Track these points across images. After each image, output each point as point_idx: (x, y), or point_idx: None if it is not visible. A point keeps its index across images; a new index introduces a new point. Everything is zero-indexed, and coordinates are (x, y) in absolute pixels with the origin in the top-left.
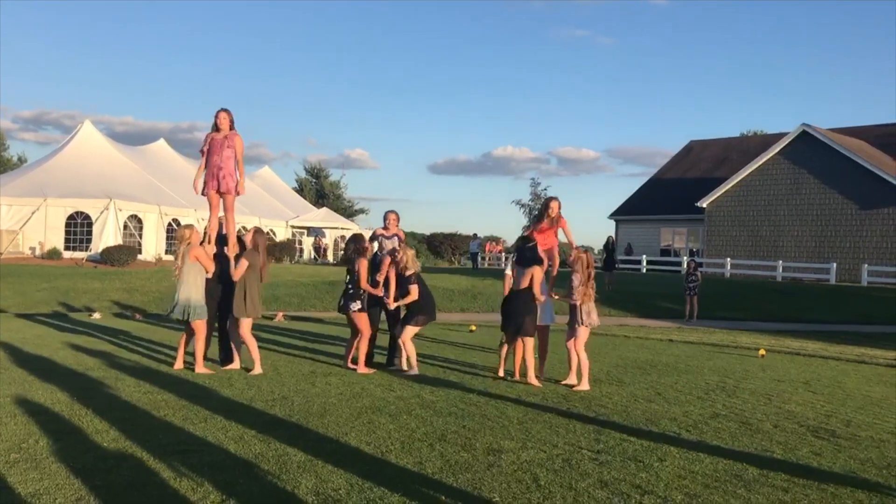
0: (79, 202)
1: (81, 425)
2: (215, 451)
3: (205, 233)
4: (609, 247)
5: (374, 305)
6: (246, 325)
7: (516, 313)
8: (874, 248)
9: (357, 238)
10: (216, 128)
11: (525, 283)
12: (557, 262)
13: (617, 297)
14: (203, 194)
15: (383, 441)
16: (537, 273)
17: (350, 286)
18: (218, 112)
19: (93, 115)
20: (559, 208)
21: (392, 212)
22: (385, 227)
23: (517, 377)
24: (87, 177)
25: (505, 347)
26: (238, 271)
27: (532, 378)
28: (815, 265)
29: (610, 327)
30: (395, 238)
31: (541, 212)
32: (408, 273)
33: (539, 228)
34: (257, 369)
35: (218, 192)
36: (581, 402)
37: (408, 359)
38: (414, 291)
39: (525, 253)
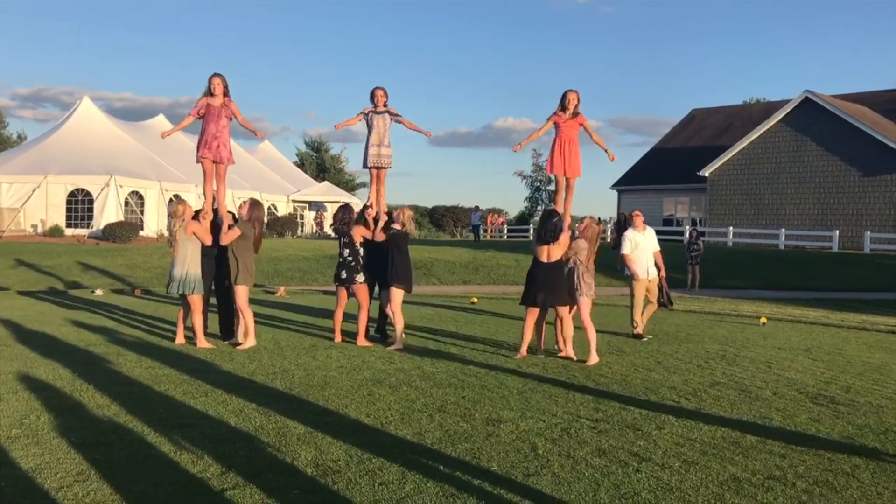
0: (79, 179)
1: (83, 401)
2: (216, 425)
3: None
4: (622, 224)
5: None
6: (243, 294)
7: (546, 286)
8: (877, 216)
9: (345, 208)
10: (210, 93)
11: (544, 257)
12: (578, 160)
13: (619, 266)
14: (197, 161)
15: (383, 412)
16: (560, 247)
17: (351, 258)
18: (211, 77)
19: (91, 91)
20: (578, 100)
21: (378, 88)
22: (374, 106)
23: (541, 353)
24: (88, 153)
25: (530, 324)
26: (227, 236)
27: (570, 350)
28: (818, 233)
29: (611, 297)
30: (386, 115)
31: (561, 103)
32: (396, 225)
33: (559, 117)
34: (250, 341)
35: (210, 159)
36: (581, 371)
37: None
38: (379, 233)
39: (547, 227)
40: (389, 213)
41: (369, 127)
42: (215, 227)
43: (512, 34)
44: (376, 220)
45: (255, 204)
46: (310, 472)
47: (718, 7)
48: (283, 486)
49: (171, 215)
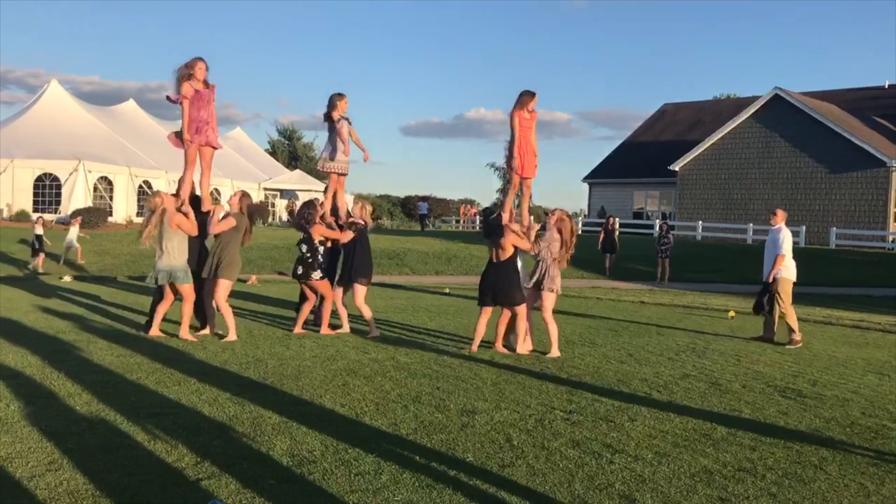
0: (47, 163)
1: (53, 388)
2: (189, 414)
3: (177, 191)
4: (608, 227)
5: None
6: (225, 288)
7: (494, 287)
8: (842, 212)
9: (309, 204)
10: (190, 76)
11: (494, 258)
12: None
13: (590, 259)
14: (183, 146)
15: (358, 403)
16: (510, 244)
17: (308, 254)
18: (197, 61)
19: (58, 73)
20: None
21: (341, 96)
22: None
23: (498, 347)
24: (56, 137)
25: (482, 321)
26: (218, 226)
27: (522, 348)
28: None
29: (582, 290)
30: (347, 122)
31: (521, 104)
32: (352, 220)
33: (522, 117)
34: (232, 336)
35: (202, 144)
36: (553, 363)
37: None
38: (344, 235)
39: (490, 226)
40: (350, 219)
41: (337, 133)
42: (199, 218)
43: (484, 26)
44: (341, 227)
45: (245, 195)
46: (285, 462)
47: (690, 2)
48: (259, 476)
49: (151, 207)
